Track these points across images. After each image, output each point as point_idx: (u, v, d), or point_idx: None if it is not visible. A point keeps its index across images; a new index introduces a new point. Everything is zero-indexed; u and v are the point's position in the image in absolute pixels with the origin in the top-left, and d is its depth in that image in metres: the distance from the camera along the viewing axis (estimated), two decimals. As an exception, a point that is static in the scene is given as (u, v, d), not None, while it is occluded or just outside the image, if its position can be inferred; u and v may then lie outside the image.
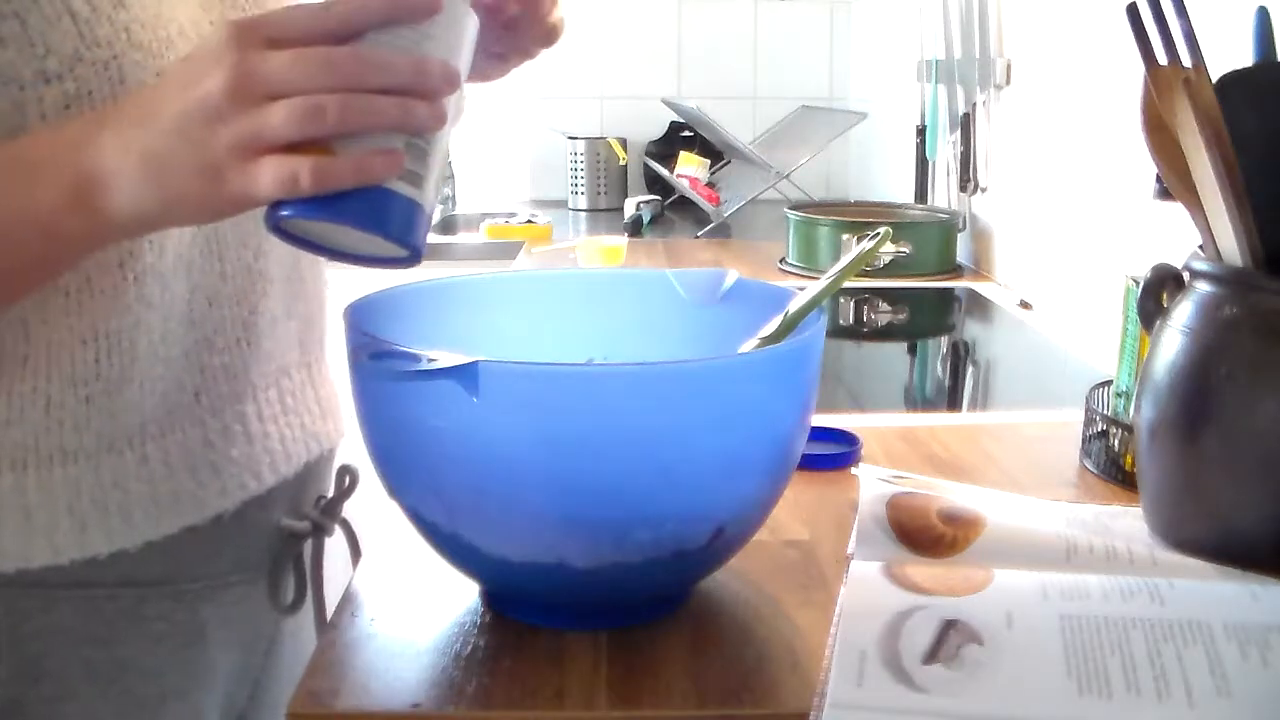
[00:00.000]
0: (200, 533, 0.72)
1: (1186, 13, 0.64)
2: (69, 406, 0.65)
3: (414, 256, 0.56)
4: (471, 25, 0.57)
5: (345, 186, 0.52)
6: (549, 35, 0.73)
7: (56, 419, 0.65)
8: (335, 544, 0.87)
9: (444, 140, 0.56)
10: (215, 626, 0.75)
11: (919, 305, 1.73)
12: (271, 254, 0.75)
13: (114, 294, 0.65)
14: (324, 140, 0.52)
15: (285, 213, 0.53)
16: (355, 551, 0.86)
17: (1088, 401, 0.93)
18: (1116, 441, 0.88)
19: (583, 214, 2.76)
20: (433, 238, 2.53)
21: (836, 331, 1.56)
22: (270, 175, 0.52)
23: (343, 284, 1.15)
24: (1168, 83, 0.64)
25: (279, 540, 0.79)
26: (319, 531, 0.82)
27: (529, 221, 2.39)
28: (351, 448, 0.85)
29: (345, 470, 0.85)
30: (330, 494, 0.85)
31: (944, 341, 1.64)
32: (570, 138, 2.79)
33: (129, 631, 0.70)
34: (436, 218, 2.73)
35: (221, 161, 0.52)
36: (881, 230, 0.70)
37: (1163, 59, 0.64)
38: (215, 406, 0.72)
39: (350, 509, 0.86)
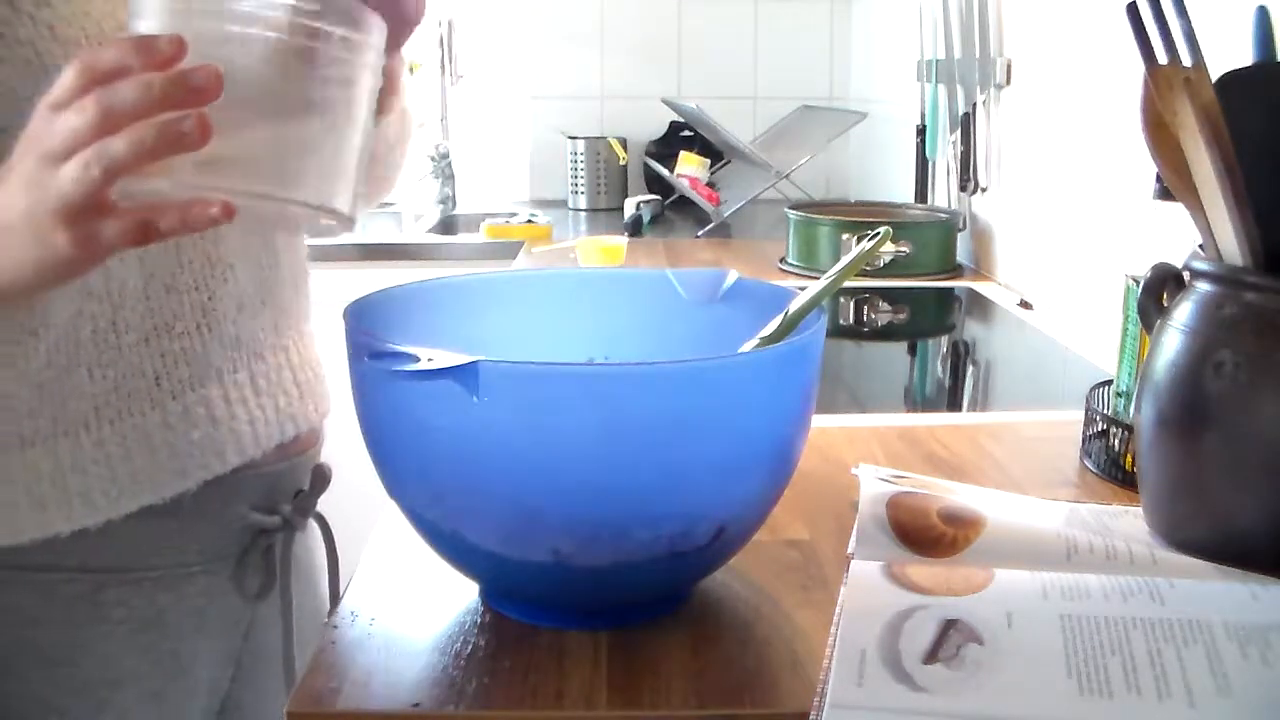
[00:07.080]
0: (161, 520, 0.73)
1: (1186, 12, 0.64)
2: (23, 396, 0.67)
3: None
4: None
5: (188, 232, 0.52)
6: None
7: (10, 407, 0.67)
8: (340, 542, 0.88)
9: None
10: (176, 615, 0.76)
11: (919, 305, 1.73)
12: (231, 240, 0.75)
13: (60, 287, 0.66)
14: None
15: None
16: (330, 547, 0.87)
17: (1088, 401, 0.93)
18: (1116, 441, 0.88)
19: (583, 214, 2.75)
20: (433, 238, 2.52)
21: (836, 331, 1.56)
22: (113, 233, 0.52)
23: (343, 284, 1.15)
24: (1168, 82, 0.64)
25: (247, 533, 0.80)
26: (289, 527, 0.82)
27: (529, 221, 2.39)
28: (342, 442, 0.86)
29: (320, 468, 0.86)
30: (307, 488, 0.86)
31: (944, 341, 1.64)
32: (570, 138, 2.79)
33: (85, 615, 0.72)
34: (437, 216, 2.73)
35: (51, 228, 0.53)
36: (881, 230, 0.70)
37: (1163, 58, 0.64)
38: (176, 390, 0.73)
39: (344, 508, 0.87)
